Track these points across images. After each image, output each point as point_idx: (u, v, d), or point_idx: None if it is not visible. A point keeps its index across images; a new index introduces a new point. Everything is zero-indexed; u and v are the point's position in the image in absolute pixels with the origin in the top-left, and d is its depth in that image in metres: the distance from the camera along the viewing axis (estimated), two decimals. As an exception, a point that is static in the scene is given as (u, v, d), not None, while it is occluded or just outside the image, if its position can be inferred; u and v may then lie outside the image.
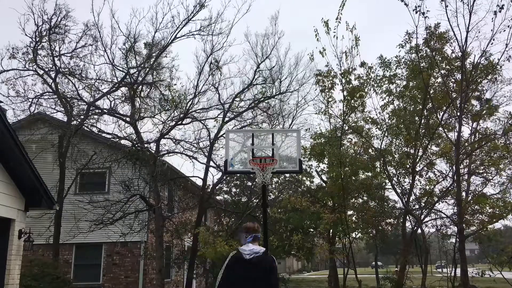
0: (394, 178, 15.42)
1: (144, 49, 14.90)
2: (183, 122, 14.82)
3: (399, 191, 15.24)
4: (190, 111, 14.56)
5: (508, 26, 11.31)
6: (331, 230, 16.93)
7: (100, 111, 14.59)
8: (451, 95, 13.77)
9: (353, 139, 16.79)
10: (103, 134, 14.78)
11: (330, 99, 14.50)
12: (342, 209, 14.98)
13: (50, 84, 14.40)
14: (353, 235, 16.51)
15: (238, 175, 20.26)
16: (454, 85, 14.32)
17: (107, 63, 14.52)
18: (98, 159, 13.96)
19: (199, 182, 16.04)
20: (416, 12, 11.79)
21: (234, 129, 15.27)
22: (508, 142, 14.86)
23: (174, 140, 14.82)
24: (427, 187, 15.51)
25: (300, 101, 16.54)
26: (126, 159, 13.62)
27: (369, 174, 15.81)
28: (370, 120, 15.73)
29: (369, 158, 15.80)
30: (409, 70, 14.66)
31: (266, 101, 15.74)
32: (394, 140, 15.67)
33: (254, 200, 18.64)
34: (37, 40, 13.93)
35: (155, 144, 14.20)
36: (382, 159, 14.97)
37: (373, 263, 39.50)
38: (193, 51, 52.38)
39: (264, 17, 29.81)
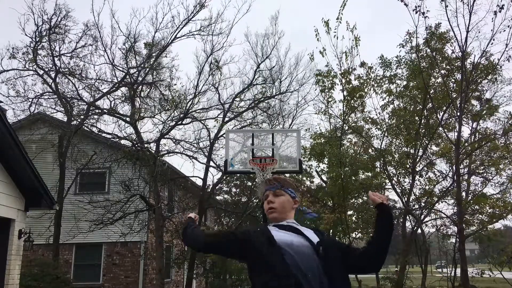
0: (394, 178, 15.42)
1: (144, 49, 14.90)
2: (183, 122, 14.81)
3: (399, 191, 15.24)
4: (190, 111, 14.55)
5: (508, 26, 11.33)
6: (331, 230, 16.93)
7: (100, 111, 14.58)
8: (451, 95, 13.77)
9: (353, 139, 16.80)
10: (103, 134, 14.76)
11: (330, 99, 14.53)
12: (342, 209, 14.98)
13: (50, 84, 14.40)
14: (353, 235, 16.51)
15: (238, 175, 20.24)
16: (454, 85, 14.34)
17: (107, 63, 14.53)
18: (98, 159, 13.95)
19: (199, 182, 16.05)
20: (416, 12, 11.81)
21: (234, 129, 15.26)
22: (508, 142, 14.87)
23: (174, 140, 14.81)
24: (427, 187, 15.53)
25: (300, 101, 16.56)
26: (126, 159, 13.61)
27: (369, 174, 15.81)
28: (370, 120, 15.75)
29: (369, 158, 15.81)
30: (409, 70, 14.68)
31: (266, 101, 15.74)
32: (394, 140, 15.68)
33: (254, 200, 18.63)
34: (37, 40, 13.93)
35: (155, 144, 14.19)
36: (382, 159, 14.97)
37: (373, 263, 39.44)
38: (193, 51, 52.35)
39: (264, 17, 29.83)
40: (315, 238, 2.00)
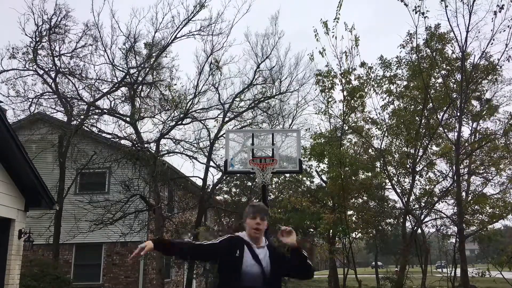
0: (394, 178, 15.42)
1: (144, 49, 14.90)
2: (183, 122, 14.82)
3: (399, 191, 15.24)
4: (190, 111, 14.56)
5: (508, 26, 11.34)
6: (331, 230, 16.94)
7: (100, 111, 14.58)
8: (451, 95, 13.77)
9: (353, 139, 16.80)
10: (103, 134, 14.76)
11: (330, 99, 14.53)
12: (342, 209, 14.97)
13: (50, 84, 14.41)
14: (353, 235, 16.51)
15: (238, 175, 20.24)
16: (455, 85, 14.34)
17: (107, 63, 14.55)
18: (98, 159, 13.94)
19: (199, 182, 16.05)
20: (416, 13, 11.82)
21: (234, 129, 15.26)
22: (508, 142, 14.87)
23: (174, 140, 14.81)
24: (427, 187, 15.52)
25: (300, 101, 16.58)
26: (126, 159, 13.60)
27: (369, 174, 15.81)
28: (370, 120, 15.74)
29: (369, 158, 15.80)
30: (409, 71, 14.67)
31: (266, 101, 15.74)
32: (394, 140, 15.67)
33: (254, 200, 18.62)
34: (37, 40, 13.93)
35: (155, 144, 14.20)
36: (382, 159, 14.97)
37: (373, 263, 39.49)
38: (193, 51, 52.45)
39: (264, 17, 29.83)
40: (267, 264, 2.83)
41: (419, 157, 14.75)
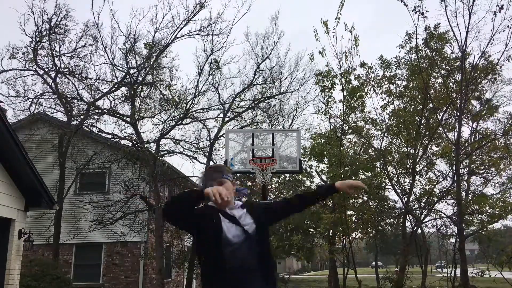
0: (394, 178, 15.42)
1: (144, 49, 14.89)
2: (183, 122, 14.81)
3: (399, 191, 15.24)
4: (190, 111, 14.55)
5: (508, 26, 11.37)
6: (331, 230, 16.94)
7: (100, 111, 14.58)
8: (451, 95, 13.78)
9: (353, 139, 16.80)
10: (103, 134, 14.75)
11: (330, 99, 14.53)
12: (342, 209, 14.97)
13: (50, 84, 14.41)
14: (353, 235, 16.51)
15: (238, 175, 20.25)
16: (454, 85, 14.35)
17: (107, 63, 14.54)
18: (98, 159, 13.94)
19: (199, 182, 16.03)
20: (416, 13, 11.84)
21: (234, 129, 15.26)
22: (508, 142, 14.88)
23: (174, 140, 14.81)
24: (427, 187, 15.52)
25: (300, 101, 16.59)
26: (126, 159, 13.61)
27: (369, 174, 15.81)
28: (370, 120, 15.74)
29: (369, 158, 15.80)
30: (409, 71, 14.68)
31: (266, 101, 15.75)
32: (394, 140, 15.68)
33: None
34: (37, 40, 13.93)
35: (155, 144, 14.19)
36: (382, 159, 14.97)
37: (373, 263, 39.48)
38: (193, 51, 52.35)
39: (264, 17, 29.87)
40: (249, 223, 2.46)
41: (419, 157, 14.75)
